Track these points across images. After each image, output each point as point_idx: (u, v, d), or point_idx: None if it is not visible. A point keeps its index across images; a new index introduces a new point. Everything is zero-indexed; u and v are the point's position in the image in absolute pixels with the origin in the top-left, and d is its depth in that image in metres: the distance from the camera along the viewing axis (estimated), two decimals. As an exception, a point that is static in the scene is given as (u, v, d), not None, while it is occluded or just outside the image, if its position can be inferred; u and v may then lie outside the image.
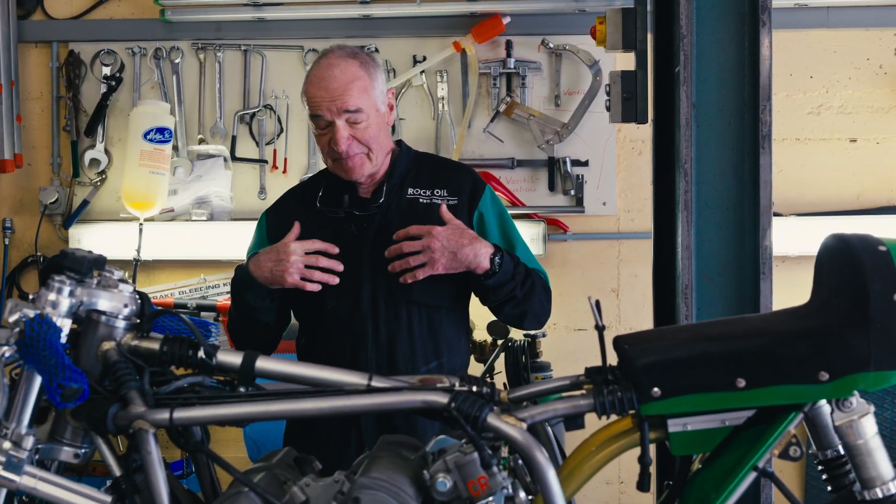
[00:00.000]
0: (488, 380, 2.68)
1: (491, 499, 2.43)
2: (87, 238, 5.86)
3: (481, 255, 3.47)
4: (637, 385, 2.50)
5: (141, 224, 5.73)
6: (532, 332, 5.18)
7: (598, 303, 2.59)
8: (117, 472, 2.65)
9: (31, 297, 2.62)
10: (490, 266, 3.48)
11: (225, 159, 5.90)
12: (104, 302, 2.65)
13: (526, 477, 2.61)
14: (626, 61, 4.40)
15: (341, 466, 2.68)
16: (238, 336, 3.75)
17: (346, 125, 3.54)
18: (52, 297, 2.59)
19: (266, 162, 5.92)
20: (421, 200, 3.67)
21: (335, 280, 3.49)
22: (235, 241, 5.69)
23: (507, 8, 5.74)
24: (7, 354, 2.50)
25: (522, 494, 2.51)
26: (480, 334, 5.19)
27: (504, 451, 2.58)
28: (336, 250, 3.52)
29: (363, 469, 2.55)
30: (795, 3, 5.68)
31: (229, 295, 5.66)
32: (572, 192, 5.78)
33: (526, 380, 4.99)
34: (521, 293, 3.59)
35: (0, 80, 5.74)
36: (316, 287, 3.47)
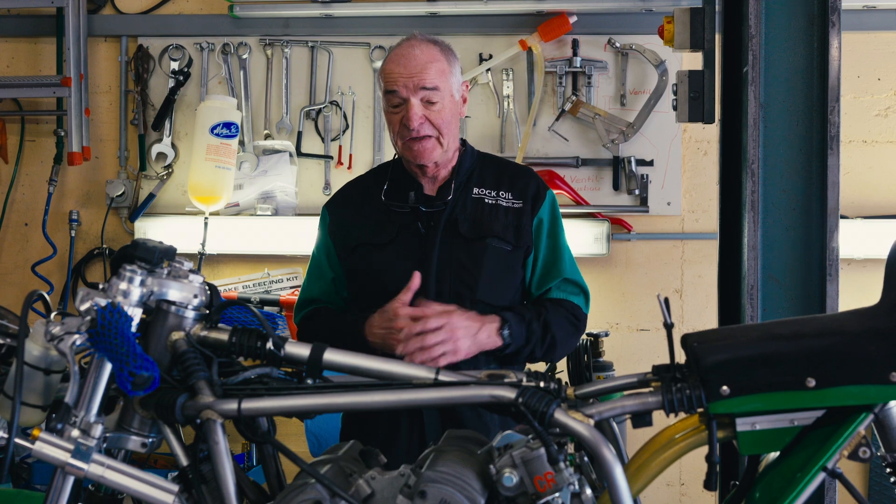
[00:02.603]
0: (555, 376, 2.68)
1: (557, 495, 2.43)
2: (153, 231, 5.91)
3: (493, 333, 3.47)
4: (706, 383, 2.49)
5: (206, 218, 5.77)
6: (595, 332, 5.18)
7: (667, 300, 2.59)
8: (184, 461, 2.67)
9: (101, 286, 2.64)
10: (501, 341, 3.49)
11: (290, 155, 5.92)
12: (174, 292, 2.66)
13: (592, 474, 2.61)
14: (693, 61, 4.38)
15: (402, 462, 2.68)
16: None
17: (421, 104, 3.55)
18: (123, 286, 2.61)
19: (331, 158, 5.95)
20: (486, 201, 3.66)
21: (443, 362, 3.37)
22: (300, 236, 5.74)
23: (574, 7, 5.72)
24: (78, 342, 2.52)
25: (588, 491, 2.51)
26: (543, 333, 5.19)
27: (570, 448, 2.58)
28: (445, 321, 3.41)
29: (429, 463, 2.56)
30: (864, 6, 5.62)
31: (293, 290, 5.72)
32: (637, 192, 5.76)
33: (588, 379, 4.98)
34: (541, 352, 3.62)
35: (70, 74, 5.79)
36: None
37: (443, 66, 3.60)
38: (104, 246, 6.09)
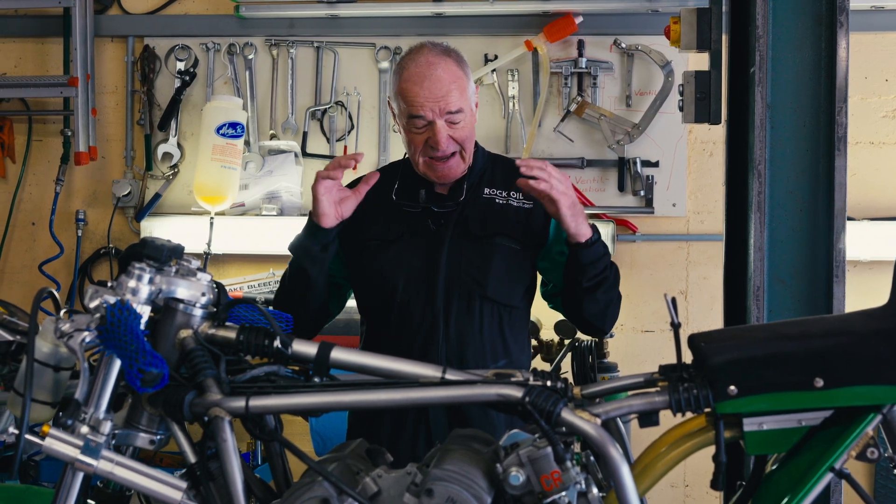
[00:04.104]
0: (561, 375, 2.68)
1: (563, 494, 2.43)
2: (159, 231, 5.91)
3: (583, 214, 3.43)
4: (713, 383, 2.49)
5: (212, 218, 5.78)
6: (599, 332, 5.18)
7: (674, 300, 2.59)
8: (192, 458, 2.68)
9: (110, 283, 2.65)
10: (591, 233, 3.44)
11: (296, 155, 5.93)
12: (182, 290, 2.67)
13: (598, 473, 2.61)
14: (699, 62, 4.37)
15: (408, 460, 2.68)
16: (283, 303, 3.73)
17: (446, 125, 3.52)
18: (132, 284, 2.62)
19: (336, 158, 5.95)
20: (497, 201, 3.65)
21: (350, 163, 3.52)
22: (305, 236, 5.73)
23: (580, 7, 5.72)
24: (88, 339, 2.54)
25: (595, 490, 2.51)
26: (547, 333, 5.18)
27: (576, 447, 2.58)
28: (362, 157, 3.56)
29: (436, 461, 2.56)
30: (872, 6, 5.62)
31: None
32: (642, 193, 5.76)
33: (593, 380, 4.97)
34: (612, 275, 3.56)
35: (77, 74, 5.81)
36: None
37: (463, 83, 3.56)
38: (110, 245, 6.11)
